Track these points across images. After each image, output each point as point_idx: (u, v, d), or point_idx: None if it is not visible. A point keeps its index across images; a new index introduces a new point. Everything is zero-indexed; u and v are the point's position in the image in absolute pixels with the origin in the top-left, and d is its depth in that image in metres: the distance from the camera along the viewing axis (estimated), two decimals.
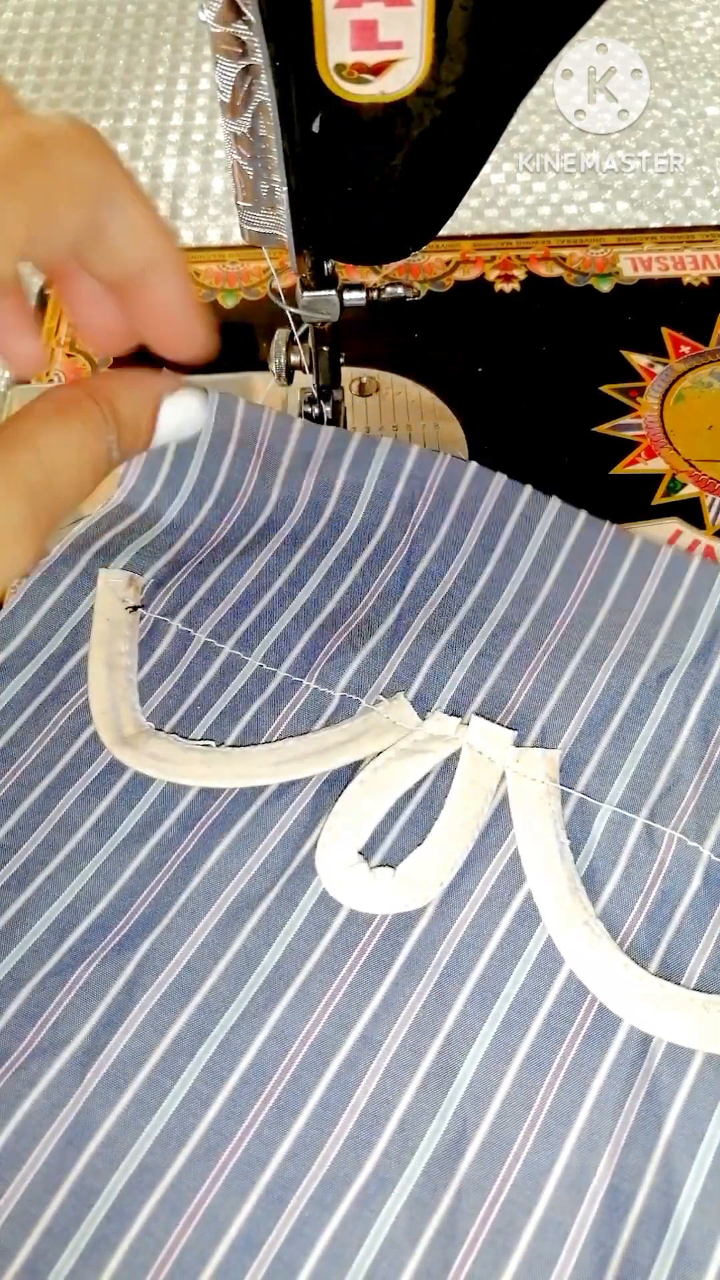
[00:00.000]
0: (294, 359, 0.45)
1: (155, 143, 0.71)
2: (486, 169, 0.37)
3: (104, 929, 0.33)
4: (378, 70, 0.32)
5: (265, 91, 0.32)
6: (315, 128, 0.33)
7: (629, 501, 0.50)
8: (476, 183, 0.37)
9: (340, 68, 0.32)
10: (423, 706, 0.38)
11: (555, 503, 0.42)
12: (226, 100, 0.33)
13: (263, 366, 0.49)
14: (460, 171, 0.36)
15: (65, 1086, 0.31)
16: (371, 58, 0.31)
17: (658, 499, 0.50)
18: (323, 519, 0.42)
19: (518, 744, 0.37)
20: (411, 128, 0.33)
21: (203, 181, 0.69)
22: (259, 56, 0.32)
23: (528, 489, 0.42)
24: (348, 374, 0.54)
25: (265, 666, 0.38)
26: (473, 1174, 0.30)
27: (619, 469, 0.51)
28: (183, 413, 0.32)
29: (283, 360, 0.44)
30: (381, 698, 0.38)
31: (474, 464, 0.41)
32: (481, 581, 0.40)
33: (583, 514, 0.41)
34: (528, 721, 0.37)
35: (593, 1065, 0.31)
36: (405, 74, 0.32)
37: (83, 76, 0.75)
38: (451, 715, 0.37)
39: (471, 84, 0.33)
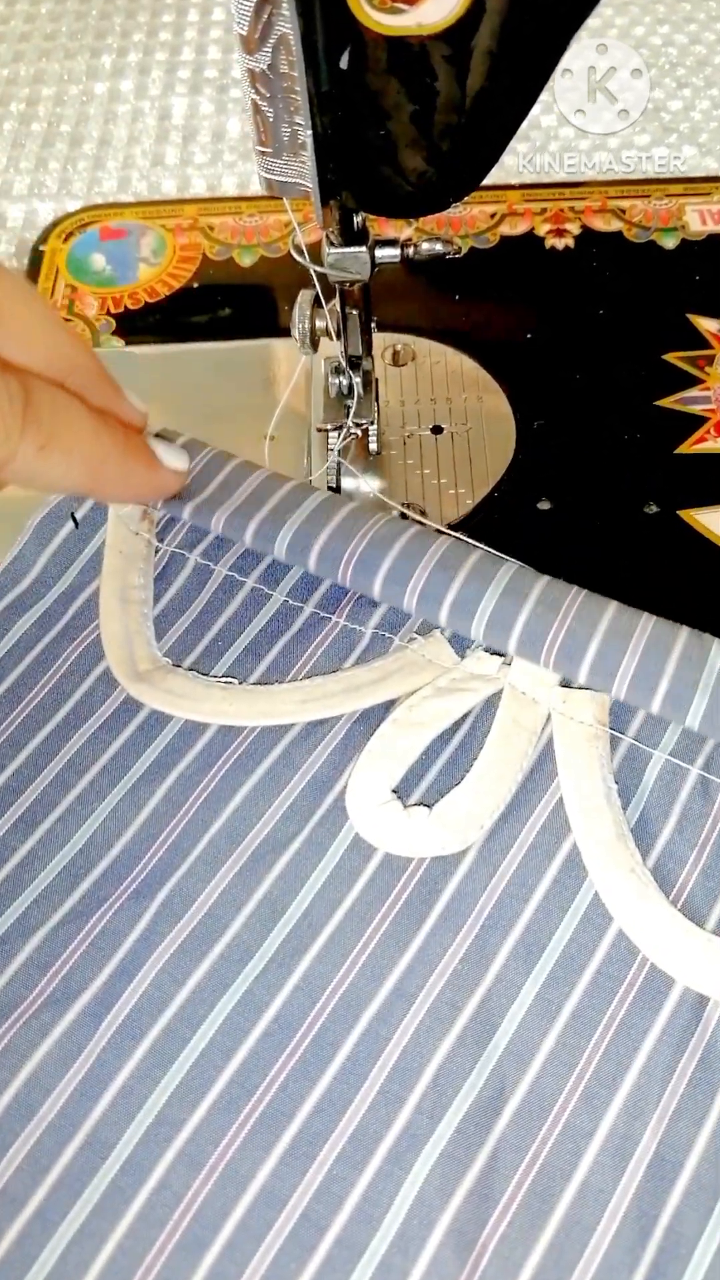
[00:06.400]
0: (319, 324, 0.45)
1: (163, 80, 0.71)
2: (536, 110, 0.37)
3: (119, 875, 0.35)
4: None
5: (287, 23, 0.32)
6: (343, 64, 0.33)
7: (695, 484, 0.50)
8: (524, 125, 0.37)
9: None
10: (458, 646, 0.38)
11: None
12: (244, 33, 0.33)
13: (284, 333, 0.49)
14: (506, 113, 0.36)
15: (79, 1037, 0.32)
16: None
17: None
18: None
19: (564, 685, 0.37)
20: (451, 63, 0.33)
21: (217, 124, 0.69)
22: None
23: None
24: (380, 341, 0.54)
25: (291, 602, 0.39)
26: (509, 1134, 0.31)
27: (684, 448, 0.51)
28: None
29: (306, 325, 0.44)
30: (416, 635, 0.38)
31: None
32: None
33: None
34: (573, 660, 0.36)
35: (643, 1027, 0.32)
36: (445, 3, 0.32)
37: (82, 5, 0.76)
38: (493, 654, 0.38)
39: (519, 13, 0.32)
